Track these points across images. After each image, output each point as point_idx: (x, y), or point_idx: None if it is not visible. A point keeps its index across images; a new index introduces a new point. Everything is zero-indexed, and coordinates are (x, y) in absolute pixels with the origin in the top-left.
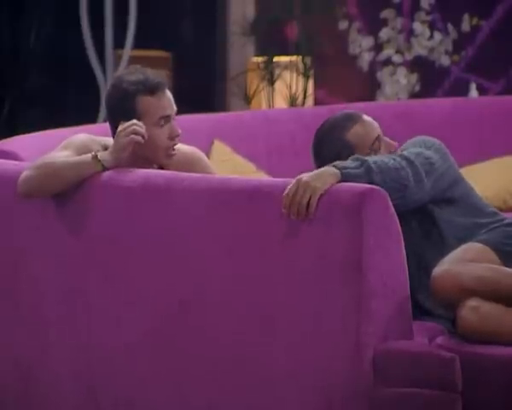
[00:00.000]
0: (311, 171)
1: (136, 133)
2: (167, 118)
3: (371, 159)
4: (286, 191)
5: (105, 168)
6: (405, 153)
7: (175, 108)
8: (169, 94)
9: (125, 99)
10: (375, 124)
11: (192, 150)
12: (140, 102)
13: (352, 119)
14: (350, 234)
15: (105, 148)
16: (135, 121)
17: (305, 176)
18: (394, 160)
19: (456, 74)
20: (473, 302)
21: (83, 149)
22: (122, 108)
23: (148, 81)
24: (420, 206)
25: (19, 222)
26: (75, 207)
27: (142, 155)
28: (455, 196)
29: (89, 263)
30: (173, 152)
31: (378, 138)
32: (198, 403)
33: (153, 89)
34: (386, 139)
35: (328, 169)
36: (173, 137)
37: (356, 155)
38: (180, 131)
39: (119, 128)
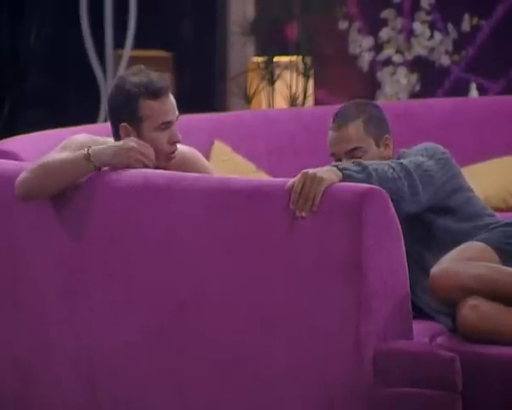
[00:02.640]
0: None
1: (144, 163)
2: (169, 123)
3: (372, 165)
4: (290, 186)
5: (96, 168)
6: (405, 162)
7: (177, 112)
8: (172, 99)
9: (128, 101)
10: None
11: (190, 151)
12: (142, 105)
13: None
14: (350, 234)
15: None
16: (147, 149)
17: (309, 170)
18: (394, 169)
19: (456, 74)
20: (473, 301)
21: (82, 149)
22: (124, 110)
23: (151, 84)
24: (415, 214)
25: (19, 222)
26: (75, 207)
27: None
28: (453, 204)
29: (89, 263)
30: (172, 156)
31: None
32: (198, 403)
33: (156, 93)
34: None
35: (332, 168)
36: (173, 143)
37: (358, 160)
38: (180, 136)
39: (130, 142)
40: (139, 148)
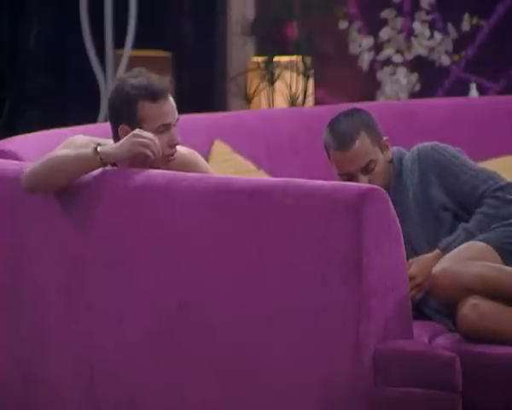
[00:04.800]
0: (311, 171)
1: (149, 149)
2: (168, 126)
3: (473, 227)
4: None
5: (104, 162)
6: (473, 173)
7: (177, 115)
8: (172, 101)
9: (127, 103)
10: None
11: (190, 152)
12: (141, 107)
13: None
14: (350, 234)
15: None
16: (151, 137)
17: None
18: (488, 205)
19: (456, 74)
20: (473, 300)
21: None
22: (124, 112)
23: (150, 87)
24: (432, 210)
25: (19, 222)
26: (76, 206)
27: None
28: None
29: (89, 262)
30: (171, 158)
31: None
32: (198, 403)
33: (155, 95)
34: None
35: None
36: (172, 145)
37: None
38: (180, 139)
39: (137, 131)
40: (141, 133)
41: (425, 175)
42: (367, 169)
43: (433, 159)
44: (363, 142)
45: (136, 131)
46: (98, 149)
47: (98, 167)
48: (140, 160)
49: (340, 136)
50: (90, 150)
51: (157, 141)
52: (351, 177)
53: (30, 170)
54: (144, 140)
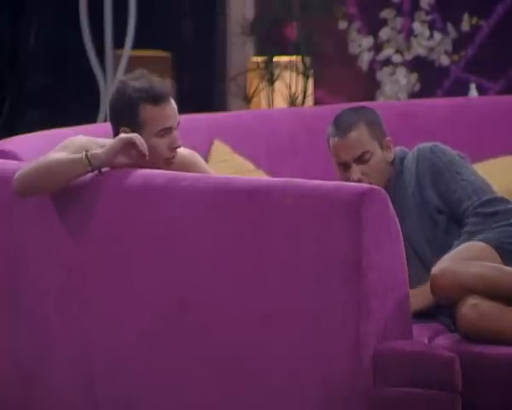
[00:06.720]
0: (311, 171)
1: (135, 144)
2: (169, 129)
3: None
4: None
5: (94, 168)
6: (467, 184)
7: (178, 118)
8: (173, 104)
9: (129, 105)
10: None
11: (189, 153)
12: (143, 110)
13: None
14: (350, 233)
15: None
16: (138, 136)
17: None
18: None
19: (456, 74)
20: (473, 300)
21: (81, 151)
22: (125, 114)
23: (152, 90)
24: (428, 211)
25: (19, 222)
26: (75, 207)
27: (141, 162)
28: None
29: (88, 263)
30: (172, 161)
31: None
32: (198, 403)
33: (157, 99)
34: None
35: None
36: (173, 149)
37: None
38: (180, 142)
39: (123, 135)
40: (130, 134)
41: (421, 177)
42: (361, 159)
43: (430, 161)
44: (360, 133)
45: (122, 135)
46: (89, 156)
47: (88, 172)
48: (131, 154)
49: (339, 123)
50: (79, 155)
51: (143, 143)
52: (347, 168)
53: (20, 174)
54: (129, 135)
